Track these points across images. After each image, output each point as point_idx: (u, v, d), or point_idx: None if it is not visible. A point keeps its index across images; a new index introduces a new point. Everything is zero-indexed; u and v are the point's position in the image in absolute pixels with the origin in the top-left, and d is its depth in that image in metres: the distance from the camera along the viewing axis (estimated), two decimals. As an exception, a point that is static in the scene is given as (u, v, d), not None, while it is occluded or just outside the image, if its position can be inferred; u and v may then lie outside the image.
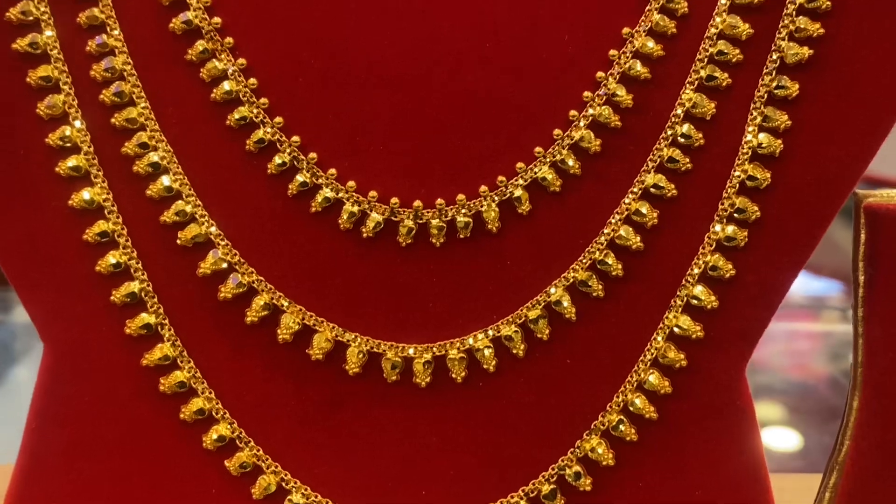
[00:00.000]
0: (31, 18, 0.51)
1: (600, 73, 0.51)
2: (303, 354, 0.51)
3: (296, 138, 0.51)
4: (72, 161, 0.51)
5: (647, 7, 0.51)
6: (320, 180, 0.51)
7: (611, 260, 0.51)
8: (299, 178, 0.51)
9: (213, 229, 0.51)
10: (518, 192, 0.51)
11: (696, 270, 0.51)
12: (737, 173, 0.51)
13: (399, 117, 0.51)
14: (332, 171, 0.51)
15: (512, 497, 0.52)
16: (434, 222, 0.51)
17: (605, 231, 0.51)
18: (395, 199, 0.51)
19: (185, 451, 0.53)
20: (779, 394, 1.20)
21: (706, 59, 0.51)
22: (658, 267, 0.51)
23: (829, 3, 0.50)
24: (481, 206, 0.51)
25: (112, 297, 0.52)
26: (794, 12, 0.50)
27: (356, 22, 0.51)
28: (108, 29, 0.51)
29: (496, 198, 0.51)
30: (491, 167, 0.51)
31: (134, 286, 0.51)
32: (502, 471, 0.52)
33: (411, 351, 0.51)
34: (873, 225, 0.53)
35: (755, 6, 0.50)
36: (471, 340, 0.51)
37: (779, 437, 1.14)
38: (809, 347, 1.33)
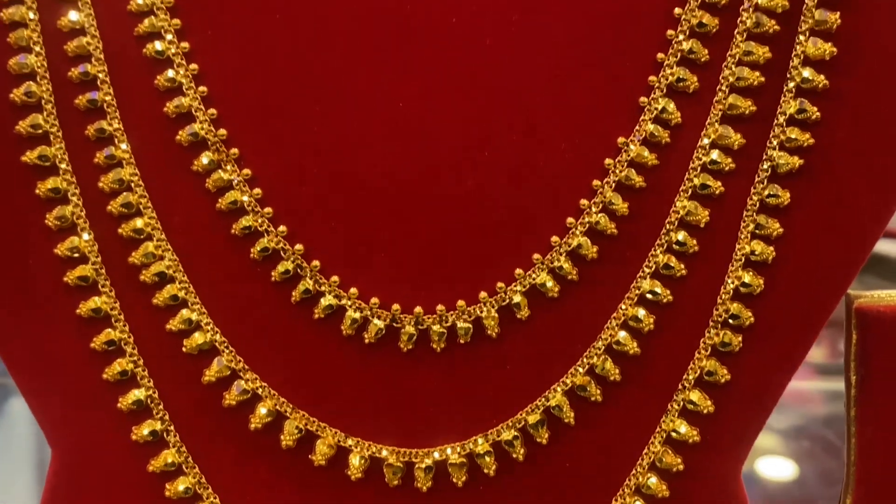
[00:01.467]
0: (40, 132, 0.52)
1: (596, 182, 0.52)
2: (306, 459, 0.52)
3: (299, 247, 0.52)
4: (80, 271, 0.52)
5: (642, 117, 0.52)
6: (323, 287, 0.52)
7: (608, 365, 0.52)
8: (302, 285, 0.52)
9: (217, 337, 0.52)
10: (517, 298, 0.52)
11: (692, 375, 0.52)
12: (731, 280, 0.52)
13: (399, 224, 0.52)
14: (335, 278, 0.52)
15: None
16: (435, 328, 0.52)
17: (603, 336, 0.52)
18: (396, 306, 0.52)
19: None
20: (774, 423, 1.20)
21: (699, 168, 0.52)
22: (655, 371, 0.52)
23: (818, 113, 0.51)
24: (481, 312, 0.52)
25: (119, 405, 0.52)
26: (784, 122, 0.52)
27: (358, 132, 0.52)
28: (116, 141, 0.52)
29: (495, 303, 0.52)
30: (490, 273, 0.52)
31: (140, 393, 0.52)
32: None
33: (413, 456, 0.52)
34: (864, 326, 0.54)
35: (746, 116, 0.52)
36: (471, 445, 0.52)
37: (774, 467, 1.14)
38: (806, 376, 1.33)
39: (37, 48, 0.52)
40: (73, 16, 0.52)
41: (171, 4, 0.52)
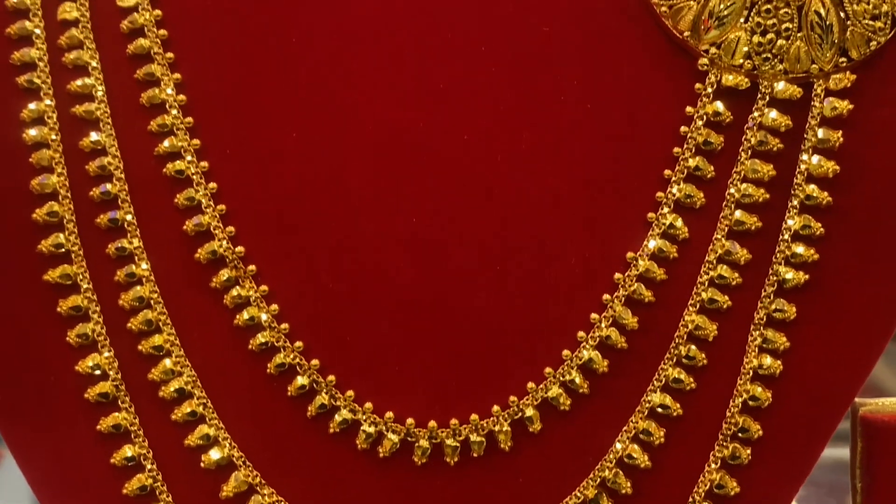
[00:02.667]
0: (62, 251, 0.53)
1: (606, 296, 0.53)
2: (323, 572, 0.53)
3: (315, 362, 0.53)
4: (100, 388, 0.53)
5: (650, 232, 0.53)
6: (338, 402, 0.53)
7: (620, 478, 0.53)
8: (318, 400, 0.53)
9: (235, 452, 0.53)
10: (529, 412, 0.53)
11: (702, 488, 0.53)
12: (739, 393, 0.53)
13: (414, 339, 0.53)
14: (350, 392, 0.53)
15: None
16: (448, 442, 0.53)
17: (614, 449, 0.53)
18: (410, 420, 0.53)
19: None
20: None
21: (707, 283, 0.53)
22: (665, 484, 0.53)
23: (822, 229, 0.53)
24: (494, 426, 0.53)
25: (138, 520, 0.53)
26: (789, 238, 0.53)
27: (373, 249, 0.53)
28: (137, 259, 0.53)
29: (508, 417, 0.53)
30: (503, 386, 0.53)
31: (159, 509, 0.53)
32: None
33: (427, 568, 0.53)
34: (869, 435, 0.55)
35: (752, 232, 0.53)
36: (486, 558, 0.53)
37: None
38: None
39: (59, 168, 0.54)
40: (94, 136, 0.54)
41: (192, 125, 0.54)
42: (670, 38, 0.54)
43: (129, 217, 0.53)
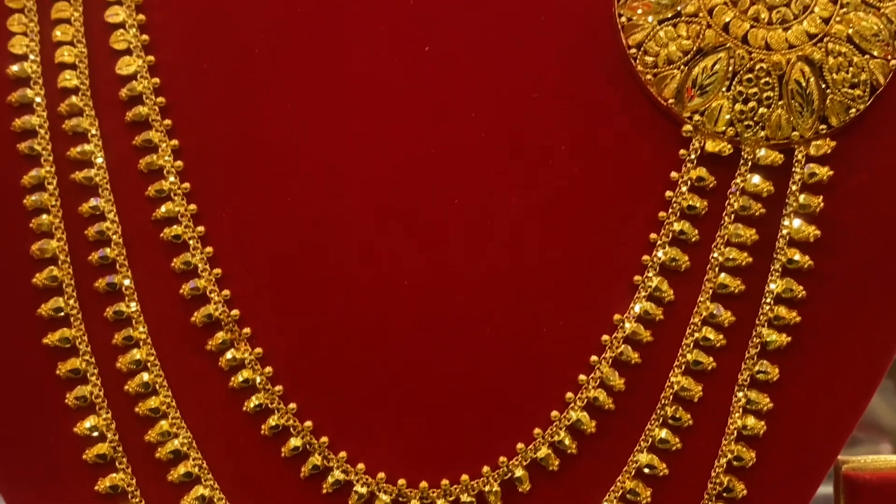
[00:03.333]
0: (61, 314, 0.55)
1: (594, 357, 0.54)
2: None
3: (308, 424, 0.54)
4: (98, 449, 0.54)
5: (636, 295, 0.55)
6: (331, 463, 0.54)
7: (608, 538, 0.54)
8: (311, 461, 0.54)
9: (230, 512, 0.54)
10: (519, 472, 0.54)
11: (689, 547, 0.54)
12: (724, 454, 0.54)
13: (405, 400, 0.54)
14: (343, 454, 0.54)
15: None
16: (440, 503, 0.54)
17: (602, 509, 0.54)
18: (402, 481, 0.54)
19: None
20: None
21: (692, 345, 0.54)
22: (652, 543, 0.54)
23: (804, 292, 0.54)
24: (484, 486, 0.54)
25: (135, 579, 0.54)
26: (772, 301, 0.54)
27: (366, 314, 0.54)
28: (134, 322, 0.55)
29: (498, 477, 0.54)
30: (492, 447, 0.54)
31: (155, 569, 0.54)
32: None
33: None
34: (852, 492, 0.56)
35: (736, 295, 0.54)
36: None
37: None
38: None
39: (58, 233, 0.55)
40: (93, 202, 0.55)
41: (188, 190, 0.55)
42: (655, 104, 0.55)
43: (126, 282, 0.55)
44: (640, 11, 0.55)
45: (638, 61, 0.55)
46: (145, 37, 0.56)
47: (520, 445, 0.54)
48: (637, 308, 0.55)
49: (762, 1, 0.54)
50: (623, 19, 0.55)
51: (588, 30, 0.56)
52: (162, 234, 0.55)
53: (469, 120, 0.55)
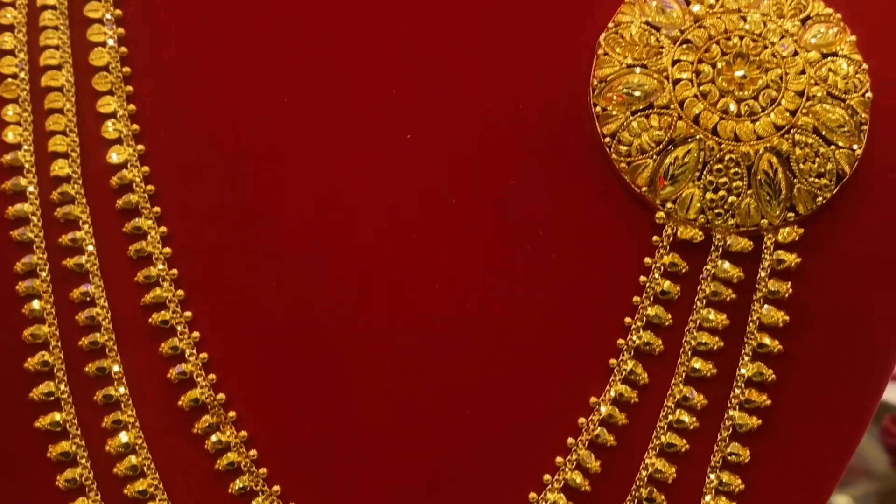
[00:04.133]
0: (52, 398, 0.56)
1: (571, 440, 0.56)
2: None
3: (292, 504, 0.56)
4: (88, 531, 0.56)
5: (612, 378, 0.56)
6: (316, 547, 0.56)
7: None
8: (296, 543, 0.56)
9: (215, 592, 0.56)
10: (497, 553, 0.55)
11: None
12: (697, 534, 0.56)
13: (393, 480, 0.56)
14: (328, 538, 0.56)
15: None
16: (419, 582, 0.55)
17: (579, 589, 0.56)
18: (388, 564, 0.55)
19: None
20: None
21: (666, 427, 0.56)
22: None
23: (774, 376, 0.56)
24: (465, 566, 0.55)
25: None
26: (743, 384, 0.56)
27: (348, 388, 0.56)
28: (123, 406, 0.56)
29: (477, 559, 0.56)
30: (471, 528, 0.56)
31: None
32: None
33: None
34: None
35: (708, 378, 0.56)
36: None
37: None
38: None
39: (50, 318, 0.57)
40: (84, 287, 0.57)
41: (176, 276, 0.57)
42: (630, 192, 0.57)
43: (115, 367, 0.56)
44: (614, 101, 0.57)
45: (612, 150, 0.57)
46: (136, 126, 0.58)
47: (498, 526, 0.56)
48: (612, 391, 0.56)
49: (731, 94, 0.56)
50: (598, 109, 0.57)
51: (565, 117, 0.58)
52: (150, 320, 0.57)
53: (448, 205, 0.57)
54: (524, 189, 0.57)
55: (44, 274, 0.57)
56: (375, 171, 0.58)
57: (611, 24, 0.58)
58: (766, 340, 0.56)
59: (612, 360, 0.56)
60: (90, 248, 0.57)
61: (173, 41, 0.59)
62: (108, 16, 0.59)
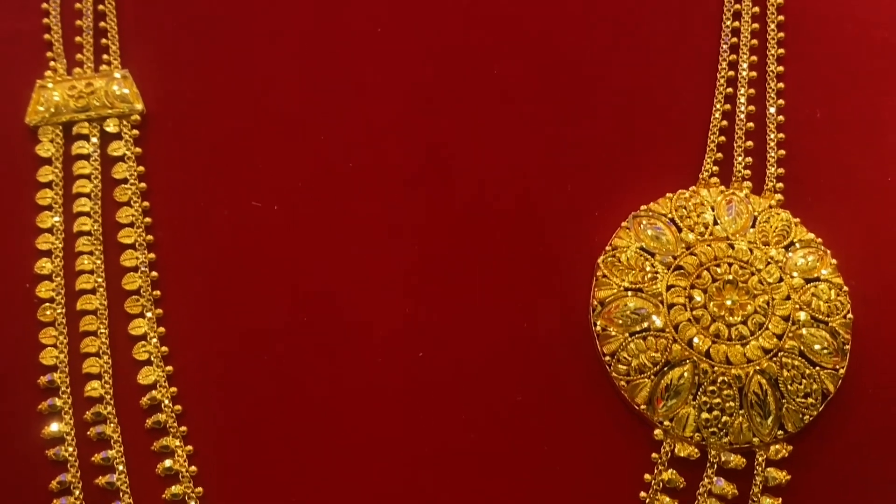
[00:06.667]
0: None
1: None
2: None
3: None
4: None
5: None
6: None
7: None
8: None
9: None
10: None
11: None
12: None
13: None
14: None
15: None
16: None
17: None
18: None
19: None
20: None
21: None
22: None
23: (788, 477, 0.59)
24: None
25: None
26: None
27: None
28: None
29: None
30: None
31: None
32: None
33: None
34: None
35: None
36: None
37: None
38: None
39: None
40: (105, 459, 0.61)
41: (202, 495, 0.60)
42: (629, 408, 0.61)
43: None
44: (613, 322, 0.61)
45: (612, 369, 0.61)
46: (165, 348, 0.62)
47: None
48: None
49: (722, 319, 0.60)
50: (598, 328, 0.61)
51: (566, 336, 0.62)
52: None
53: (459, 421, 0.61)
54: (529, 405, 0.61)
55: (77, 492, 0.60)
56: (389, 392, 0.61)
57: (608, 248, 0.62)
58: (764, 555, 0.59)
59: (615, 573, 0.60)
60: (121, 466, 0.60)
61: (202, 264, 0.64)
62: (140, 241, 0.64)
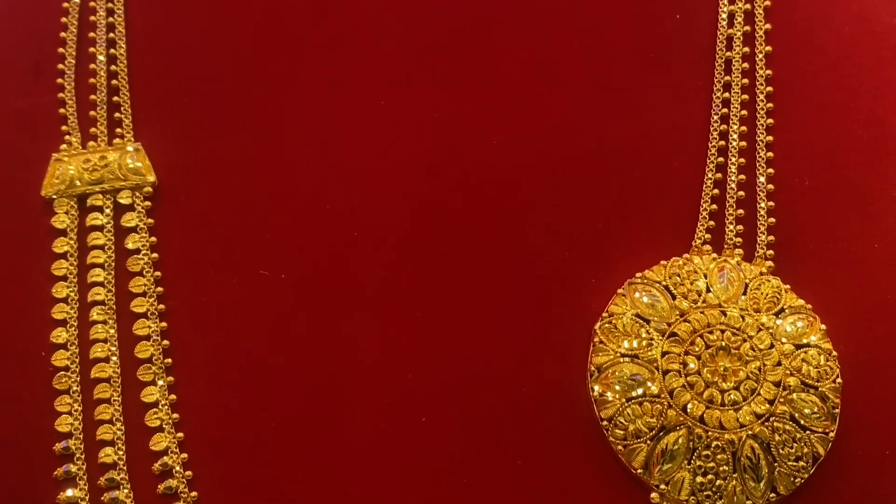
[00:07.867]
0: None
1: None
2: None
3: None
4: None
5: None
6: None
7: None
8: None
9: None
10: None
11: None
12: None
13: None
14: None
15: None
16: None
17: None
18: None
19: None
20: None
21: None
22: None
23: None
24: None
25: None
26: None
27: None
28: None
29: None
30: None
31: None
32: None
33: None
34: None
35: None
36: None
37: None
38: None
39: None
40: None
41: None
42: (626, 472, 0.62)
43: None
44: (610, 387, 0.63)
45: (610, 433, 0.63)
46: (176, 415, 0.64)
47: None
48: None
49: (715, 385, 0.62)
50: (596, 393, 0.63)
51: (565, 399, 0.64)
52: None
53: (461, 484, 0.63)
54: (529, 469, 0.63)
55: (92, 567, 0.62)
56: (391, 456, 0.63)
57: (605, 314, 0.64)
58: None
59: None
60: (134, 533, 0.63)
61: (212, 332, 0.66)
62: (152, 310, 0.66)
